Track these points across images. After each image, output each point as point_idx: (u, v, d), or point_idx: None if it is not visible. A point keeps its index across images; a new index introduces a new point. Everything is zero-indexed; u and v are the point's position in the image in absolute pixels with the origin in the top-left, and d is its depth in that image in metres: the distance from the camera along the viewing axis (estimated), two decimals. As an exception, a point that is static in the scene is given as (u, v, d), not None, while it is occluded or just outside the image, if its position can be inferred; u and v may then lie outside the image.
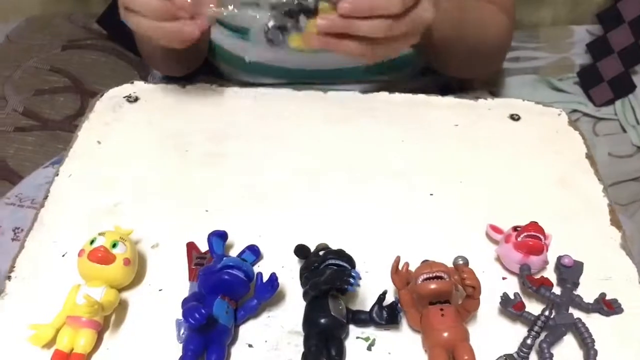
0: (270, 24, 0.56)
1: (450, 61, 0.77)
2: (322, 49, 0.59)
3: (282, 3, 0.56)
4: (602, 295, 0.51)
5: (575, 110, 1.10)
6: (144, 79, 1.12)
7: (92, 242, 0.49)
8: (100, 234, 0.49)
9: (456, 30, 0.67)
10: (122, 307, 0.50)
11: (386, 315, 0.48)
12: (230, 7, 0.57)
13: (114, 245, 0.49)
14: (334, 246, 0.52)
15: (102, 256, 0.48)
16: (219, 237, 0.53)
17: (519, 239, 0.52)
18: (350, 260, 0.50)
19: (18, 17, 1.27)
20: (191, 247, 0.54)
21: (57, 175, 0.61)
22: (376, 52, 0.59)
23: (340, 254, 0.50)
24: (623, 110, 1.10)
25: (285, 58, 0.77)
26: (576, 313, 0.50)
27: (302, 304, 0.49)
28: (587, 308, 0.51)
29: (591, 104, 1.13)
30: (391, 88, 0.82)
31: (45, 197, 0.58)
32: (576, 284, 0.52)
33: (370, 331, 0.49)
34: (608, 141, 1.07)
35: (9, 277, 0.52)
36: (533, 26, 1.29)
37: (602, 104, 1.12)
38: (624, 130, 1.08)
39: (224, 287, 0.48)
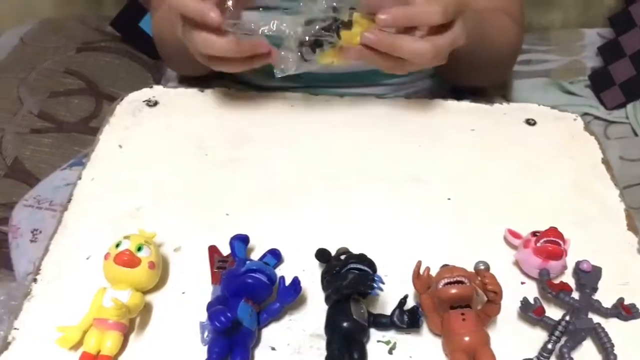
0: (305, 39, 0.57)
1: (463, 71, 0.77)
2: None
3: (316, 19, 0.56)
4: (621, 300, 0.52)
5: (586, 114, 1.11)
6: (158, 81, 1.13)
7: (117, 245, 0.50)
8: (125, 238, 0.50)
9: (475, 43, 0.66)
10: (146, 310, 0.50)
11: (407, 319, 0.49)
12: (268, 27, 0.57)
13: (139, 249, 0.49)
14: (353, 250, 0.53)
15: (127, 259, 0.48)
16: (240, 241, 0.53)
17: (539, 244, 0.52)
18: (371, 264, 0.50)
19: (32, 20, 1.28)
20: (213, 250, 0.55)
21: (80, 178, 0.61)
22: (404, 68, 0.60)
23: (362, 259, 0.50)
24: (634, 114, 1.10)
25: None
26: (595, 318, 0.51)
27: (324, 308, 0.50)
28: (606, 313, 0.51)
29: (602, 107, 1.13)
30: (402, 90, 0.83)
31: (69, 201, 0.59)
32: (595, 289, 0.52)
33: (391, 335, 0.49)
34: (619, 144, 1.07)
35: (35, 280, 0.52)
36: (543, 29, 1.29)
37: (613, 107, 1.12)
38: (636, 134, 1.09)
39: (247, 291, 0.48)
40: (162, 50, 0.84)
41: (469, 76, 0.81)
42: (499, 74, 0.89)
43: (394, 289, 0.51)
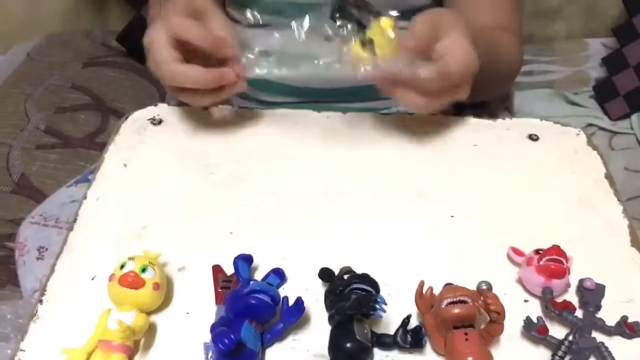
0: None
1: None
2: None
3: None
4: (624, 318, 0.52)
5: (590, 125, 1.11)
6: (163, 96, 1.14)
7: (122, 266, 0.50)
8: (129, 259, 0.51)
9: (482, 64, 0.67)
10: (150, 331, 0.51)
11: (410, 339, 0.49)
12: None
13: (144, 270, 0.50)
14: (356, 268, 0.53)
15: (132, 281, 0.49)
16: (244, 260, 0.54)
17: (541, 262, 0.52)
18: (374, 284, 0.50)
19: (38, 35, 1.29)
20: (217, 270, 0.55)
21: (85, 198, 0.62)
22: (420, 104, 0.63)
23: (365, 279, 0.50)
24: (639, 125, 1.10)
25: (302, 78, 0.79)
26: (598, 336, 0.50)
27: (327, 327, 0.50)
28: (609, 331, 0.51)
29: (607, 118, 1.13)
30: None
31: (74, 221, 0.60)
32: (598, 307, 0.52)
33: (394, 355, 0.49)
34: (624, 156, 1.07)
35: (40, 301, 0.53)
36: (547, 40, 1.30)
37: (618, 118, 1.12)
38: (641, 145, 1.09)
39: (251, 311, 0.48)
40: None
41: (475, 93, 0.82)
42: (501, 89, 0.90)
43: (397, 309, 0.51)
